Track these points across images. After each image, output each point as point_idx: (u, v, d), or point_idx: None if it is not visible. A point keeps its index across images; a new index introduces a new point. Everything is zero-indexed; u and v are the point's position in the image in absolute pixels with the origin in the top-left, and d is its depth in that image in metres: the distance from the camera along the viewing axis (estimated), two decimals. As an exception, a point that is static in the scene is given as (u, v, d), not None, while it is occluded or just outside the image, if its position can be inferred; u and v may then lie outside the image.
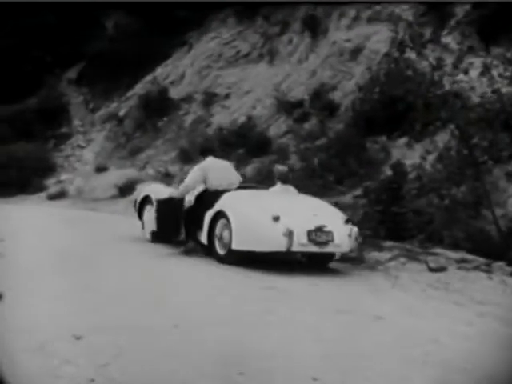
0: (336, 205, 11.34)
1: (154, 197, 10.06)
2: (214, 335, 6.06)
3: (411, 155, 11.89)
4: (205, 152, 10.04)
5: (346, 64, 15.13)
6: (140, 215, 10.57)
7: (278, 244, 8.21)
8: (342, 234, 8.47)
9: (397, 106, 10.88)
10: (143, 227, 10.46)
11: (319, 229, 8.32)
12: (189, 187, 9.43)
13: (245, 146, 14.95)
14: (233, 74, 17.74)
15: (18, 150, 18.59)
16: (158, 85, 19.05)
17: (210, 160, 9.60)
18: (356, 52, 15.02)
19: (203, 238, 9.01)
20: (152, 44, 19.93)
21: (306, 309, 7.10)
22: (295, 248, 8.26)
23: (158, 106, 18.42)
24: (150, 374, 5.23)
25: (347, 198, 11.54)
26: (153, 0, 19.18)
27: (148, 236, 10.30)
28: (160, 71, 19.55)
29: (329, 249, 8.46)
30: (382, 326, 6.50)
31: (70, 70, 22.13)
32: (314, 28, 16.46)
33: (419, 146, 12.00)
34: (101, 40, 21.60)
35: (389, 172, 11.01)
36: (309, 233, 8.28)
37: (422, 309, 7.20)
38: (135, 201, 10.87)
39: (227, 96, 17.46)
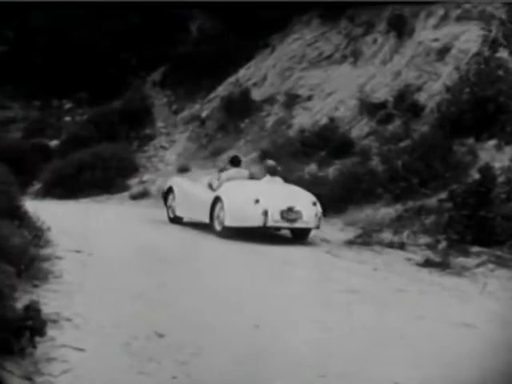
0: (420, 209, 11.12)
1: (175, 188, 12.50)
2: (295, 336, 5.98)
3: (500, 158, 11.50)
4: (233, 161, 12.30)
5: (433, 64, 14.75)
6: (165, 202, 12.76)
7: (257, 220, 10.58)
8: (310, 213, 10.74)
9: (486, 107, 10.52)
10: (167, 212, 12.66)
11: (290, 209, 10.66)
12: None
13: (326, 147, 14.77)
14: (315, 76, 17.59)
15: (102, 150, 18.99)
16: (241, 86, 19.09)
17: (233, 170, 11.93)
18: (443, 52, 14.62)
19: (205, 217, 11.31)
20: (235, 46, 20.02)
21: (391, 314, 6.93)
22: (270, 223, 10.67)
23: (240, 108, 18.46)
24: (229, 372, 5.20)
25: (432, 202, 11.24)
26: (235, 0, 19.31)
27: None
28: (242, 73, 19.60)
29: (298, 224, 10.79)
30: (469, 334, 6.26)
31: (154, 72, 22.50)
32: (400, 28, 16.13)
33: (509, 148, 11.60)
34: (185, 43, 21.90)
35: (476, 175, 10.65)
36: (282, 212, 10.62)
37: (512, 318, 6.92)
38: (162, 191, 13.10)
39: (309, 97, 17.31)
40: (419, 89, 14.56)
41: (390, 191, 12.05)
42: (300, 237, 11.17)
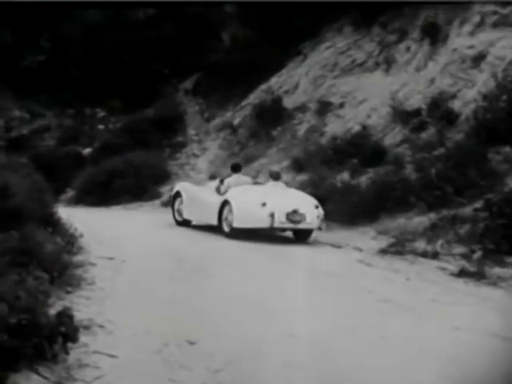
0: (455, 218, 10.95)
1: (183, 192, 13.26)
2: (329, 346, 5.91)
3: (538, 166, 11.31)
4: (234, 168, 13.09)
5: (468, 71, 14.57)
6: (173, 206, 13.48)
7: (264, 222, 11.45)
8: (312, 215, 11.64)
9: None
10: (174, 214, 13.38)
11: (295, 211, 11.53)
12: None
13: (359, 155, 14.66)
14: (347, 83, 17.50)
15: (134, 158, 19.12)
16: (272, 94, 19.08)
17: (236, 176, 12.76)
18: (479, 59, 14.42)
19: (213, 219, 12.09)
20: (267, 54, 20.03)
21: (425, 324, 6.82)
22: (276, 225, 11.55)
23: (272, 115, 18.44)
24: (261, 381, 5.16)
25: (467, 211, 11.07)
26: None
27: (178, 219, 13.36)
28: (274, 81, 19.60)
29: (301, 226, 11.68)
30: (504, 346, 6.12)
31: (186, 80, 22.61)
32: (434, 35, 15.96)
33: (547, 157, 11.41)
34: (217, 51, 21.98)
35: (512, 184, 10.49)
36: (287, 214, 11.50)
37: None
38: (170, 195, 13.91)
39: (341, 105, 17.22)
40: (454, 96, 14.38)
41: (423, 200, 11.89)
42: (302, 238, 12.01)
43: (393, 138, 14.96)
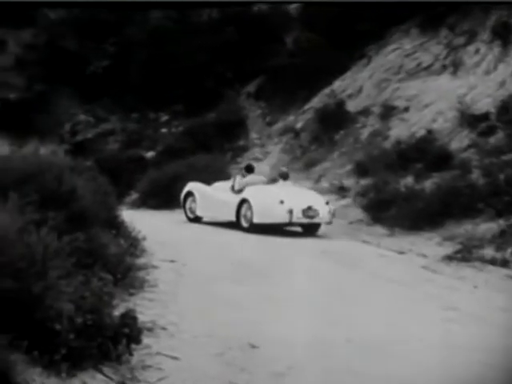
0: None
1: (195, 192, 14.28)
2: (391, 352, 5.79)
3: None
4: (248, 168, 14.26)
5: (540, 74, 14.17)
6: (184, 205, 14.51)
7: (283, 218, 12.60)
8: (325, 211, 12.83)
9: None
10: (185, 213, 14.38)
11: (309, 208, 12.73)
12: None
13: (424, 160, 14.39)
14: (413, 87, 17.19)
15: (196, 161, 19.20)
16: (336, 98, 18.91)
17: (251, 176, 13.90)
18: (554, 61, 14.03)
19: (231, 216, 13.20)
20: (330, 57, 19.87)
21: (493, 334, 6.61)
22: (294, 220, 12.70)
23: (335, 119, 18.26)
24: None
25: (537, 218, 10.73)
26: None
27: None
28: (338, 84, 19.42)
29: (316, 220, 12.89)
30: None
31: (249, 84, 22.64)
32: (506, 37, 15.56)
33: None
34: (280, 55, 21.93)
35: None
36: (303, 210, 12.67)
37: None
38: (181, 195, 14.66)
39: (406, 109, 16.92)
40: (524, 100, 13.98)
41: (491, 206, 11.57)
42: (311, 231, 13.08)
43: (459, 142, 14.64)
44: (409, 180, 14.09)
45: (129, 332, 5.09)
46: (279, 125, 20.53)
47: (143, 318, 5.84)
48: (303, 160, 18.08)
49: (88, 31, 22.72)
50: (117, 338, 5.00)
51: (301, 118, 19.61)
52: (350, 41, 19.46)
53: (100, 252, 6.97)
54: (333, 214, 12.93)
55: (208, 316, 6.63)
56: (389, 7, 17.28)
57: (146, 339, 5.39)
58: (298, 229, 13.23)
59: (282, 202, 12.65)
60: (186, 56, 22.14)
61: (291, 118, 20.17)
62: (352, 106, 18.36)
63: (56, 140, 22.12)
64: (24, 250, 4.64)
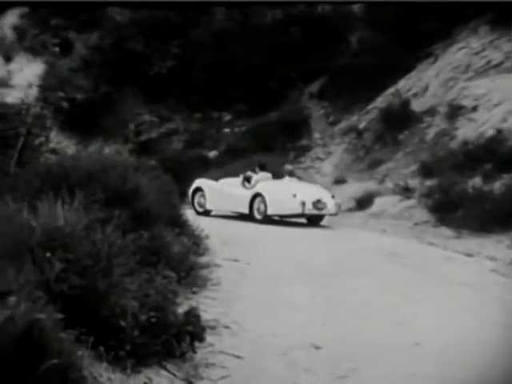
0: None
1: (204, 187, 15.40)
2: (458, 356, 5.63)
3: None
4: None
5: None
6: (193, 199, 15.49)
7: (296, 209, 13.90)
8: (331, 203, 14.19)
9: None
10: (194, 208, 15.21)
11: (319, 200, 14.07)
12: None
13: (493, 160, 14.03)
14: (481, 85, 16.77)
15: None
16: (400, 97, 18.64)
17: (262, 173, 15.06)
18: None
19: (244, 209, 14.47)
20: (395, 57, 19.61)
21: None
22: (306, 211, 13.98)
23: (399, 119, 18.00)
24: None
25: None
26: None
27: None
28: (402, 84, 19.13)
29: (324, 212, 14.22)
30: None
31: (312, 84, 22.54)
32: None
33: None
34: (344, 55, 21.76)
35: None
36: (313, 203, 13.99)
37: None
38: (189, 191, 15.48)
39: (474, 108, 16.50)
40: None
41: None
42: (316, 222, 14.32)
43: (530, 142, 14.19)
44: (477, 181, 13.74)
45: (192, 330, 5.10)
46: (342, 124, 20.36)
47: (206, 316, 5.84)
48: (367, 160, 17.88)
49: (153, 33, 23.03)
50: (180, 336, 5.02)
51: (364, 118, 19.41)
52: (415, 40, 19.18)
53: (164, 250, 7.01)
54: (339, 207, 14.29)
55: (271, 315, 6.59)
56: (454, 5, 16.89)
57: (209, 337, 5.39)
58: (303, 220, 14.44)
59: (294, 196, 13.91)
60: (250, 57, 22.18)
61: (354, 117, 19.99)
62: (417, 106, 18.05)
63: (120, 140, 22.50)
64: (90, 248, 4.69)
